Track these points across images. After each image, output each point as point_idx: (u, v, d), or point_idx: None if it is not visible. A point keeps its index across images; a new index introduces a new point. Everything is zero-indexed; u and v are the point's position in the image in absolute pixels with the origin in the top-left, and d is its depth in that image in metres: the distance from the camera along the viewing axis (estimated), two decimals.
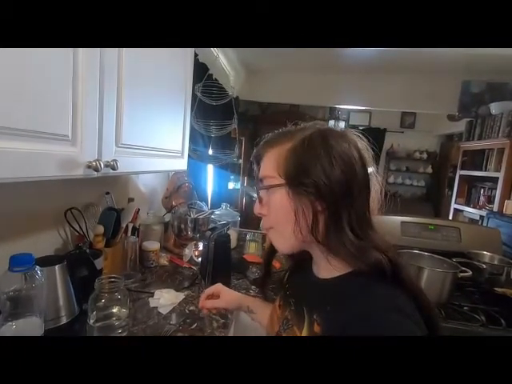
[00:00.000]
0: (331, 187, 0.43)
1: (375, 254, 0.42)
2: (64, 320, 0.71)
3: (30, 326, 0.56)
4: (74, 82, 0.55)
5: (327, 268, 0.47)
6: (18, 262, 0.54)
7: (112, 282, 0.71)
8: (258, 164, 0.53)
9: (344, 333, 0.38)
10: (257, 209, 0.52)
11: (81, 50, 0.55)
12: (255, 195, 0.53)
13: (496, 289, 1.15)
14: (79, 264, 0.80)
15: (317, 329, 0.44)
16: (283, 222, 0.48)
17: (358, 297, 0.42)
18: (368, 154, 0.48)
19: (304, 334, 0.47)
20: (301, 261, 0.57)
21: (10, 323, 0.54)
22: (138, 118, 0.78)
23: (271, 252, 0.62)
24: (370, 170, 0.47)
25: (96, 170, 0.60)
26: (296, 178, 0.45)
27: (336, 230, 0.44)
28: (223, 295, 0.74)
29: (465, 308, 1.04)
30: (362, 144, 0.48)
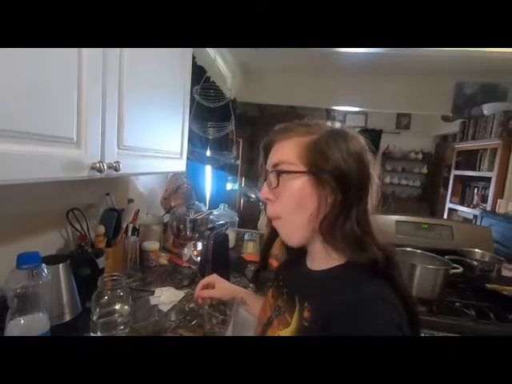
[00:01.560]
0: (351, 178, 0.45)
1: (374, 249, 0.45)
2: (68, 317, 0.73)
3: (37, 322, 0.58)
4: (79, 86, 0.57)
5: (324, 259, 0.50)
6: (26, 260, 0.56)
7: (114, 279, 0.73)
8: (267, 151, 0.53)
9: (331, 319, 0.41)
10: (264, 192, 0.51)
11: (85, 55, 0.57)
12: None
13: (487, 285, 1.18)
14: (82, 263, 0.82)
15: (306, 315, 0.46)
16: (296, 210, 0.48)
17: (347, 286, 0.44)
18: (373, 157, 0.50)
19: (294, 320, 0.49)
20: (294, 254, 0.60)
21: (19, 318, 0.56)
22: (138, 121, 0.81)
23: (270, 241, 0.62)
24: (373, 173, 0.49)
25: (99, 171, 0.62)
26: (320, 167, 0.46)
27: (343, 222, 0.46)
28: (218, 285, 0.76)
29: (456, 304, 1.07)
30: (368, 148, 0.50)
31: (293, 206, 0.49)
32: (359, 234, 0.45)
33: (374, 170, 0.49)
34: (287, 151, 0.49)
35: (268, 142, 0.54)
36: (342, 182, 0.45)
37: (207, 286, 0.77)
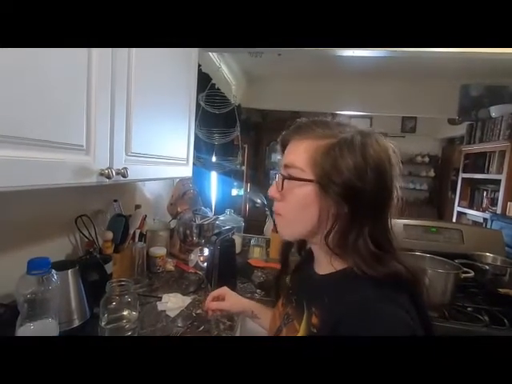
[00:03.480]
0: (363, 193, 0.43)
1: (393, 264, 0.43)
2: (76, 323, 0.74)
3: (46, 328, 0.58)
4: (88, 94, 0.58)
5: (327, 263, 0.49)
6: (36, 266, 0.57)
7: (122, 285, 0.73)
8: (284, 147, 0.52)
9: (340, 323, 0.40)
10: (272, 191, 0.51)
11: (94, 64, 0.58)
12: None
13: (499, 289, 1.15)
14: (90, 269, 0.82)
15: (315, 320, 0.45)
16: (298, 215, 0.48)
17: (352, 288, 0.43)
18: (398, 167, 0.47)
19: (302, 326, 0.48)
20: (303, 260, 0.60)
21: (29, 324, 0.56)
22: (145, 128, 0.82)
23: (288, 245, 0.63)
24: (396, 185, 0.47)
25: (108, 177, 0.63)
26: (328, 178, 0.43)
27: (355, 239, 0.44)
28: (228, 298, 0.76)
29: (468, 309, 1.05)
30: (395, 157, 0.47)
31: (294, 210, 0.49)
32: (375, 251, 0.43)
33: (398, 182, 0.46)
34: (299, 155, 0.47)
35: (283, 140, 0.52)
36: (351, 196, 0.43)
37: (217, 298, 0.76)
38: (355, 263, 0.44)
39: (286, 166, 0.49)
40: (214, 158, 2.00)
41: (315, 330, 0.45)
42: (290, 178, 0.48)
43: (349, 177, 0.43)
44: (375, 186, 0.43)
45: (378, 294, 0.41)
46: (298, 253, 0.63)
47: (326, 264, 0.50)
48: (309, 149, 0.46)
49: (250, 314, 0.75)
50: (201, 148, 1.75)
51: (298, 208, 0.48)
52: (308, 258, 0.57)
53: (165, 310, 0.92)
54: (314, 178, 0.45)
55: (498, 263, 1.27)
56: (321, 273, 0.52)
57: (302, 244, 0.62)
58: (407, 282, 0.43)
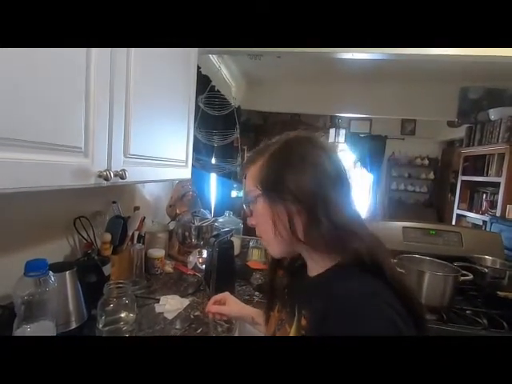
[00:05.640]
0: (302, 189, 0.47)
1: (354, 242, 0.45)
2: (74, 325, 0.73)
3: (44, 330, 0.58)
4: (87, 96, 0.59)
5: (314, 265, 0.52)
6: (33, 267, 0.57)
7: (120, 287, 0.73)
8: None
9: (324, 321, 0.40)
10: (249, 221, 0.58)
11: (92, 66, 0.59)
12: None
13: (498, 292, 1.15)
14: (88, 270, 0.82)
15: (304, 322, 0.47)
16: (265, 229, 0.53)
17: (337, 286, 0.45)
18: (336, 151, 0.53)
19: (293, 328, 0.49)
20: (299, 266, 0.61)
21: (26, 326, 0.56)
22: (144, 130, 0.82)
23: (275, 264, 0.65)
24: (346, 164, 0.52)
25: (106, 179, 0.63)
26: (270, 186, 0.50)
27: (313, 224, 0.47)
28: (229, 303, 0.77)
29: (467, 312, 1.04)
30: (329, 144, 0.53)
31: (262, 226, 0.54)
32: (334, 228, 0.46)
33: (341, 162, 0.51)
34: (249, 181, 0.55)
35: (242, 176, 0.58)
36: (294, 194, 0.47)
37: (219, 302, 0.78)
38: (326, 251, 0.48)
39: (246, 195, 0.56)
40: (213, 160, 2.00)
41: (304, 332, 0.46)
42: (247, 201, 0.55)
43: (286, 179, 0.48)
44: (312, 177, 0.48)
45: (362, 289, 0.42)
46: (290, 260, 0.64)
47: (312, 266, 0.53)
48: (253, 173, 0.54)
49: (250, 321, 0.76)
50: (200, 150, 1.76)
51: (265, 226, 0.52)
52: (302, 263, 0.58)
53: (163, 312, 0.92)
54: (260, 191, 0.51)
55: (497, 266, 1.27)
56: (310, 275, 0.54)
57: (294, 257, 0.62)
58: (367, 257, 0.44)
